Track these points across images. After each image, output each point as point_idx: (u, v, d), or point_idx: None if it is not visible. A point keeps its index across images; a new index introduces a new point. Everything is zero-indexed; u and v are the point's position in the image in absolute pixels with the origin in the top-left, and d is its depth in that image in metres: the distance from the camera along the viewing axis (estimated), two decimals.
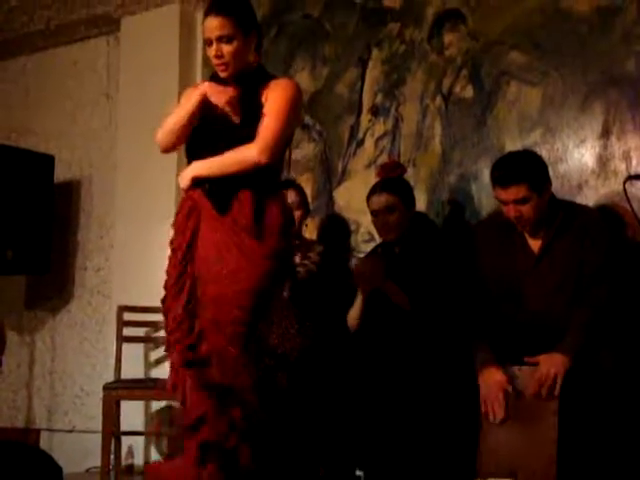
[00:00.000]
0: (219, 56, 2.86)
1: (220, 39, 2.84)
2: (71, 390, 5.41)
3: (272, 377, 3.31)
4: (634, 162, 3.63)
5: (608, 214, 3.55)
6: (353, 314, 3.71)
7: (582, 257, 3.15)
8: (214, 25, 2.85)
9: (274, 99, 2.84)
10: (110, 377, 4.68)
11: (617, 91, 3.68)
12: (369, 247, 4.17)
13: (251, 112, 2.82)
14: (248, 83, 2.88)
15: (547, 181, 3.22)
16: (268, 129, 2.81)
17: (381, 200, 3.73)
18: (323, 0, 4.59)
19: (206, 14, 2.92)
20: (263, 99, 2.86)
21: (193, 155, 2.93)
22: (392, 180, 3.82)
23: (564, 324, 3.07)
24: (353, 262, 4.19)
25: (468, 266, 3.40)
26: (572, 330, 3.05)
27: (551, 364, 2.98)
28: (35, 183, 5.15)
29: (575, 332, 3.05)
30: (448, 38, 4.16)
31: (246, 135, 2.80)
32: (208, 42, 2.89)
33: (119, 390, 4.31)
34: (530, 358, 3.06)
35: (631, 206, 3.34)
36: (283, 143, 2.89)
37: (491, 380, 3.07)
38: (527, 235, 3.26)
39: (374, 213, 3.78)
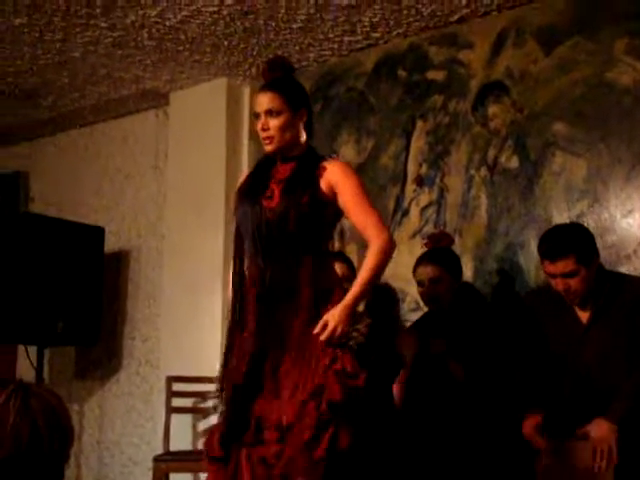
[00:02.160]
0: (265, 129, 2.90)
1: (268, 113, 2.89)
2: (119, 460, 5.44)
3: None
4: None
5: None
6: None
7: (632, 326, 3.12)
8: (264, 100, 2.92)
9: (348, 185, 2.87)
10: (157, 447, 4.70)
11: None
12: (416, 316, 4.18)
13: (312, 197, 2.84)
14: (301, 165, 2.91)
15: (595, 253, 3.22)
16: (368, 215, 2.86)
17: (427, 271, 3.78)
18: (367, 73, 4.68)
19: (259, 91, 3.00)
20: (321, 181, 2.86)
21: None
22: (439, 251, 3.85)
23: (613, 394, 3.05)
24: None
25: (518, 334, 3.40)
26: (620, 398, 3.03)
27: (603, 433, 2.96)
28: (85, 254, 5.23)
29: (623, 400, 3.03)
30: (492, 110, 4.20)
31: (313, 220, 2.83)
32: (257, 116, 2.94)
33: (169, 462, 4.32)
34: (580, 429, 3.04)
35: None
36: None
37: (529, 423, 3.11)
38: (576, 307, 3.25)
39: (420, 283, 3.82)
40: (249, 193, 2.95)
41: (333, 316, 2.76)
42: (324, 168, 2.89)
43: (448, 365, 3.62)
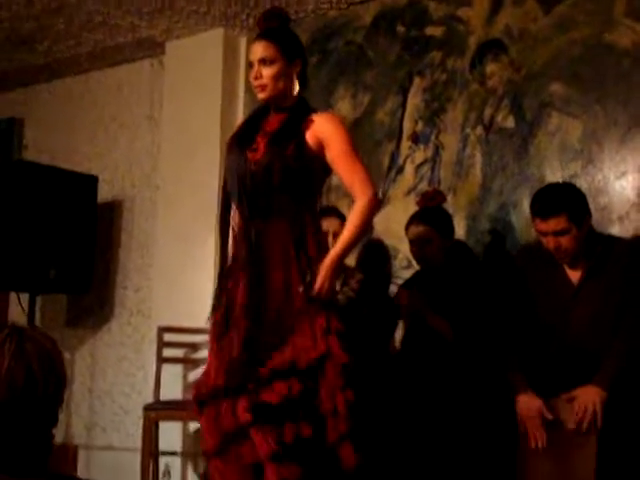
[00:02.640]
0: (258, 77, 2.90)
1: (262, 61, 2.89)
2: (110, 408, 5.48)
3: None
4: None
5: None
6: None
7: (622, 288, 3.15)
8: (258, 48, 2.92)
9: (336, 140, 2.85)
10: (148, 396, 4.74)
11: None
12: (408, 273, 4.21)
13: (297, 149, 2.83)
14: (290, 117, 2.90)
15: (587, 213, 3.23)
16: (355, 172, 2.86)
17: (418, 231, 3.79)
18: (366, 27, 4.64)
19: (254, 40, 2.99)
20: (308, 134, 2.85)
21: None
22: (430, 210, 3.86)
23: (602, 355, 3.07)
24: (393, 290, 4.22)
25: (507, 294, 3.41)
26: (608, 360, 3.06)
27: (589, 397, 2.99)
28: (78, 203, 5.22)
29: (611, 362, 3.05)
30: (490, 68, 4.19)
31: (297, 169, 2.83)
32: (251, 65, 2.94)
33: (159, 411, 4.36)
34: (566, 394, 3.07)
35: None
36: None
37: (530, 406, 3.09)
38: (566, 267, 3.27)
39: (412, 242, 3.83)
40: (237, 143, 2.95)
41: (317, 274, 2.76)
42: (312, 121, 2.87)
43: (426, 318, 3.65)
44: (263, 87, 2.90)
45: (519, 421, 3.10)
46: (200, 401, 2.87)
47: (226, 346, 2.84)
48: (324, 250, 2.89)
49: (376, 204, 2.89)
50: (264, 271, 2.81)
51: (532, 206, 3.27)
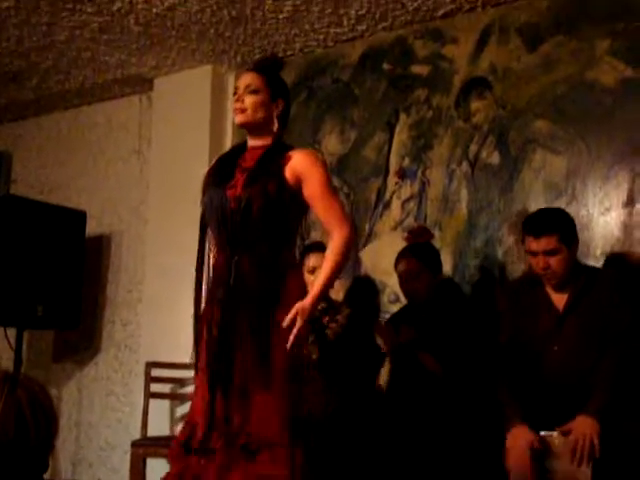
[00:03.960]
0: (239, 101, 2.93)
1: (246, 88, 2.93)
2: (96, 443, 5.46)
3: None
4: None
5: (633, 278, 3.60)
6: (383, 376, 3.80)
7: (608, 315, 3.19)
8: (246, 77, 2.98)
9: (313, 177, 2.86)
10: (135, 431, 4.73)
11: None
12: (395, 308, 4.24)
13: (276, 185, 2.83)
14: (267, 154, 2.92)
15: (576, 237, 3.31)
16: (331, 209, 2.86)
17: (408, 265, 3.84)
18: (353, 65, 4.71)
19: (243, 71, 3.08)
20: (286, 170, 2.85)
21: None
22: (419, 245, 3.90)
23: (588, 382, 3.10)
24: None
25: (494, 328, 3.43)
26: (598, 390, 3.08)
27: (585, 430, 3.00)
28: (66, 238, 5.23)
29: (601, 392, 3.07)
30: (475, 105, 4.25)
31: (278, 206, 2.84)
32: (235, 91, 2.98)
33: (146, 447, 4.35)
34: (561, 427, 3.08)
35: None
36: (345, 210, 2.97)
37: (519, 441, 3.09)
38: (551, 293, 3.32)
39: (400, 277, 3.87)
40: (215, 180, 2.95)
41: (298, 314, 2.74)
42: (290, 157, 2.88)
43: (417, 355, 3.67)
44: (242, 110, 2.93)
45: (506, 454, 3.11)
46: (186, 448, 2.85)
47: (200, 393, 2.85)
48: (301, 288, 2.89)
49: (352, 240, 2.87)
50: (236, 313, 2.80)
51: (524, 225, 3.34)
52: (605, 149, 3.84)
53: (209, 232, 3.01)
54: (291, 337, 2.71)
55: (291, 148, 2.95)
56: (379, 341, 3.95)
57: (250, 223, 2.80)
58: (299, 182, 2.86)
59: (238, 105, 2.93)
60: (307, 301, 2.77)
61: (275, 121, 2.97)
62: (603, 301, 3.22)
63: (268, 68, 3.01)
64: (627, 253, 3.73)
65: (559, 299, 3.30)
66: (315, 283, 2.86)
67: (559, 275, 3.25)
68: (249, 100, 2.91)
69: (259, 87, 2.92)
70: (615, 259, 3.72)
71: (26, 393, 1.63)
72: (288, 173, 2.85)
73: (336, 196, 2.93)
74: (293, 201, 2.86)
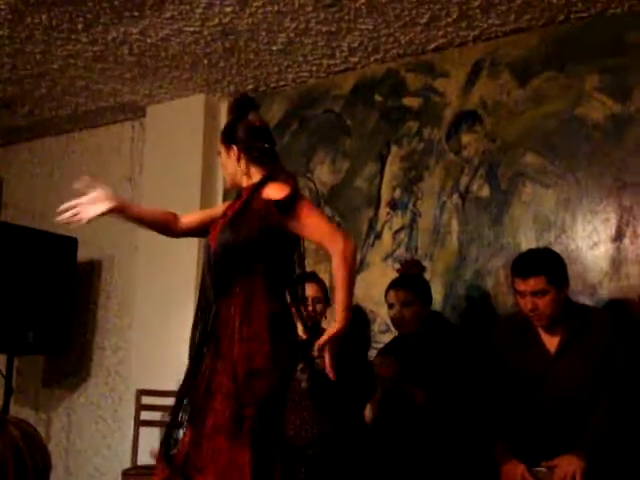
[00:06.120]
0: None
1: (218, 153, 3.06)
2: (86, 470, 5.45)
3: (290, 469, 3.34)
4: None
5: (623, 317, 3.64)
6: (369, 408, 3.81)
7: (601, 359, 3.21)
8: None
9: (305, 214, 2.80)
10: (125, 458, 4.72)
11: (630, 196, 3.80)
12: (386, 337, 4.26)
13: (250, 227, 2.79)
14: (247, 198, 2.87)
15: (565, 279, 3.33)
16: (319, 227, 2.78)
17: (399, 294, 3.86)
18: (345, 97, 4.75)
19: None
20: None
21: None
22: (411, 276, 3.94)
23: (581, 424, 3.13)
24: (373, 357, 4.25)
25: (486, 366, 3.46)
26: (590, 431, 3.11)
27: (570, 467, 3.04)
28: (58, 264, 5.25)
29: (592, 433, 3.10)
30: (466, 138, 4.30)
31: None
32: None
33: (137, 477, 4.35)
34: (548, 462, 3.11)
35: None
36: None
37: (513, 473, 3.13)
38: (543, 334, 3.33)
39: (391, 306, 3.90)
40: (210, 230, 2.97)
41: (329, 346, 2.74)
42: (263, 193, 2.82)
43: (402, 388, 3.70)
44: (224, 177, 3.11)
45: None
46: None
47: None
48: (288, 323, 2.85)
49: (350, 247, 2.74)
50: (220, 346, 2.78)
51: (513, 266, 3.37)
52: (594, 184, 3.90)
53: None
54: (327, 365, 2.75)
55: (266, 183, 2.86)
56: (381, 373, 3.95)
57: (224, 266, 2.79)
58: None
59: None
60: (337, 327, 2.73)
61: (244, 165, 2.92)
62: (597, 344, 3.24)
63: (228, 122, 3.05)
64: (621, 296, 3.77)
65: (551, 341, 3.32)
66: (337, 307, 2.76)
67: (547, 316, 3.28)
68: (221, 164, 3.03)
69: (219, 147, 3.00)
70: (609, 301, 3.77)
71: (19, 430, 1.63)
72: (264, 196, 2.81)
73: (318, 213, 2.86)
74: (274, 239, 2.80)
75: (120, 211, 3.04)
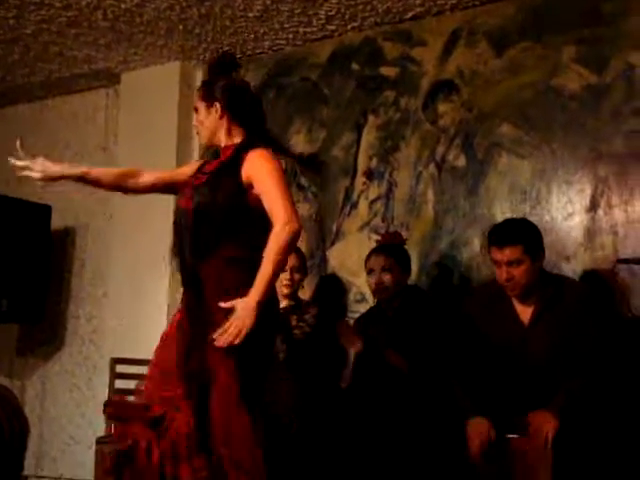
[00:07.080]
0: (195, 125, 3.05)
1: (195, 111, 3.03)
2: (60, 437, 5.45)
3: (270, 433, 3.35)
4: (620, 236, 3.75)
5: (597, 287, 3.67)
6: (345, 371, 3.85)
7: (575, 329, 3.23)
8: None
9: (261, 176, 2.79)
10: (99, 426, 4.71)
11: (605, 167, 3.82)
12: (362, 307, 4.28)
13: (228, 188, 2.81)
14: (229, 156, 2.89)
15: (541, 249, 3.34)
16: (273, 202, 2.75)
17: (379, 259, 3.89)
18: (321, 65, 4.73)
19: None
20: (242, 171, 2.80)
21: None
22: (392, 245, 3.95)
23: (554, 393, 3.15)
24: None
25: (459, 334, 3.47)
26: (560, 394, 3.13)
27: (543, 423, 3.06)
28: (32, 232, 5.21)
29: (566, 394, 3.13)
30: (442, 108, 4.29)
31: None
32: None
33: (112, 445, 4.34)
34: (519, 417, 3.14)
35: (620, 287, 3.48)
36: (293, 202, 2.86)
37: (478, 428, 3.17)
38: (516, 304, 3.36)
39: (370, 272, 3.90)
40: (181, 189, 2.97)
41: (237, 319, 2.65)
42: (245, 159, 2.82)
43: (383, 353, 3.73)
44: (197, 133, 3.04)
45: (469, 441, 3.18)
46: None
47: None
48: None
49: (290, 228, 2.71)
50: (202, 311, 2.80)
51: (489, 235, 3.39)
52: (569, 154, 3.91)
53: None
54: (229, 332, 2.65)
55: (250, 148, 2.86)
56: (343, 341, 3.98)
57: (203, 226, 2.77)
58: (252, 183, 2.80)
59: (195, 130, 3.07)
60: (251, 298, 2.68)
61: (226, 123, 2.93)
62: (570, 314, 3.25)
63: (208, 79, 3.04)
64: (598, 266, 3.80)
65: (525, 311, 3.34)
66: (256, 281, 2.71)
67: (521, 286, 3.29)
68: (196, 120, 3.00)
69: (197, 104, 2.98)
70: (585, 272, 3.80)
71: None
72: (244, 175, 2.81)
73: (282, 190, 2.78)
74: (249, 203, 2.80)
75: (81, 177, 3.11)
